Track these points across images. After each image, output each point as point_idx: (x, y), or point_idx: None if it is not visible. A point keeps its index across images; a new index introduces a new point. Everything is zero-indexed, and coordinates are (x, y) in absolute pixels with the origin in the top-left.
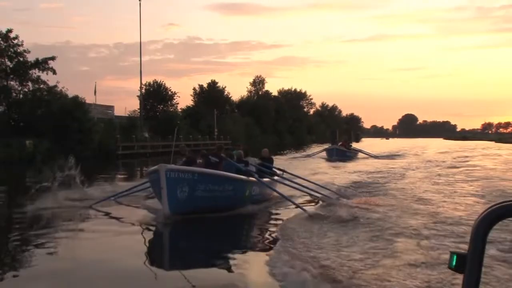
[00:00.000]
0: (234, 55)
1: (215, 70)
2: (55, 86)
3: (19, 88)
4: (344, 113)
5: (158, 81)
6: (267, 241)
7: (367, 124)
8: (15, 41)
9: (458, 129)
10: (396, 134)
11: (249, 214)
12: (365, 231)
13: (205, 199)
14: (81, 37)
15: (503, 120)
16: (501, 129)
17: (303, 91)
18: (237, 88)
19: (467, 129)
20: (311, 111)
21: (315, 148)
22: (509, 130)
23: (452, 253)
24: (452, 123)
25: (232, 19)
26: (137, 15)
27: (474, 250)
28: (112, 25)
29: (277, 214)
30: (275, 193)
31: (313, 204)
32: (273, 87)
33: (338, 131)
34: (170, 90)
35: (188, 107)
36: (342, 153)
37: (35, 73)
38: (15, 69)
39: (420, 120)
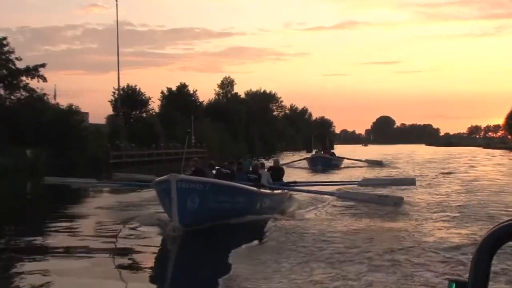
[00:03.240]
0: (173, 45)
1: (151, 63)
2: (44, 94)
3: (9, 96)
4: (313, 116)
5: (132, 86)
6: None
7: (336, 129)
8: (6, 48)
9: (442, 133)
10: (370, 140)
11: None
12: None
13: (216, 210)
14: None
15: (492, 122)
16: (489, 133)
17: (272, 92)
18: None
19: (451, 133)
20: (280, 115)
21: (289, 157)
22: (498, 134)
23: (450, 281)
24: (435, 126)
25: (171, 0)
26: None
27: (476, 277)
28: (16, 5)
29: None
30: (286, 206)
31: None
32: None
33: (313, 138)
34: (144, 95)
35: (161, 113)
36: (327, 162)
37: (25, 81)
38: (6, 77)
39: (397, 123)
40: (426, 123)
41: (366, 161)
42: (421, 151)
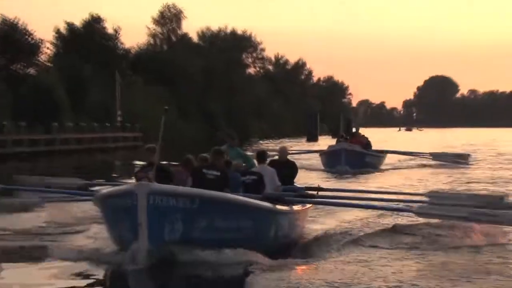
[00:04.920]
0: None
1: None
2: None
3: None
4: (315, 76)
5: (10, 19)
6: None
7: (353, 99)
8: None
9: None
10: (413, 120)
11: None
12: None
13: (208, 241)
14: None
15: None
16: None
17: (246, 33)
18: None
19: None
20: (260, 73)
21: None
22: None
23: None
24: None
25: None
26: None
27: None
28: None
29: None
30: (303, 230)
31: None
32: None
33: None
34: (32, 35)
35: (59, 67)
36: (359, 159)
37: None
38: None
39: (463, 91)
40: None
41: (435, 156)
42: None
